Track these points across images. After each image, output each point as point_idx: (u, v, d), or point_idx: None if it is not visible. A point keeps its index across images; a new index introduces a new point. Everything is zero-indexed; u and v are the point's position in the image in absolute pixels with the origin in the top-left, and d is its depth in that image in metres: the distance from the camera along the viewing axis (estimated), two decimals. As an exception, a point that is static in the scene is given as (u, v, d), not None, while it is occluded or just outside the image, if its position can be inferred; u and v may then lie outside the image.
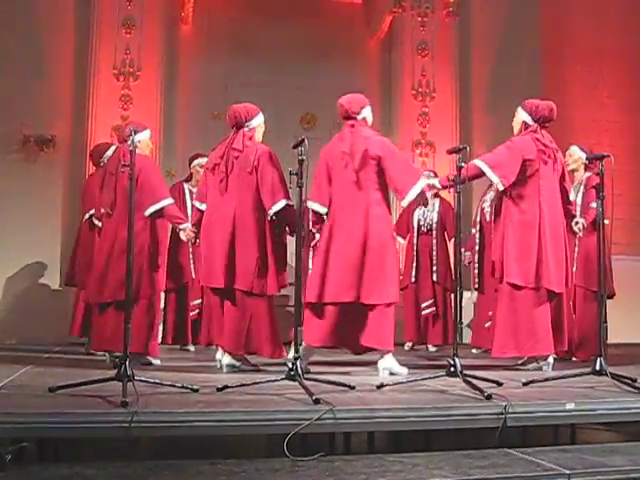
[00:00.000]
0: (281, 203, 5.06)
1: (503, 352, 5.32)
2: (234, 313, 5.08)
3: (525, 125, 5.51)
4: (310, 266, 7.51)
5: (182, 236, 5.51)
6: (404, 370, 4.99)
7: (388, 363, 4.99)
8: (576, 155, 6.48)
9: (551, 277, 5.27)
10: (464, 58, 9.34)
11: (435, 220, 7.74)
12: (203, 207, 5.34)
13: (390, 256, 5.02)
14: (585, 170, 6.50)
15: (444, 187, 5.56)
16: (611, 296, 6.16)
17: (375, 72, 9.54)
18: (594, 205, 5.14)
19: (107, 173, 5.62)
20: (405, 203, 5.12)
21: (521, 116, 5.55)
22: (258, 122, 5.32)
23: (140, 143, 5.32)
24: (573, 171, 6.48)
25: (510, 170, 5.31)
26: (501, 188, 5.36)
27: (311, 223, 5.34)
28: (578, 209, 6.15)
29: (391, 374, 4.93)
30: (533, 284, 5.27)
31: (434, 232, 7.76)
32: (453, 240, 7.03)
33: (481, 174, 5.35)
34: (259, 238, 5.07)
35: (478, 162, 5.35)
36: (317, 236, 5.51)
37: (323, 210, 5.17)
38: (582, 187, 6.37)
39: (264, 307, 5.12)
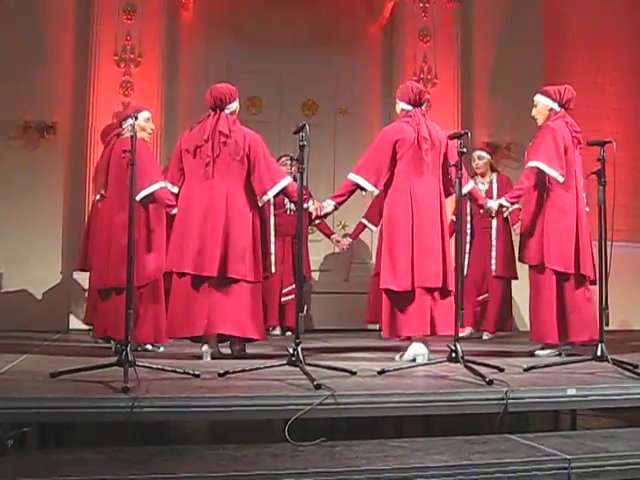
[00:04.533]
0: (286, 180, 5.03)
1: (544, 338, 5.32)
2: (233, 300, 4.90)
3: (553, 112, 5.44)
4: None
5: None
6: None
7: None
8: (485, 159, 7.53)
9: (587, 263, 5.30)
10: (466, 44, 9.27)
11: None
12: (175, 190, 5.11)
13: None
14: (491, 170, 7.60)
15: (512, 204, 5.52)
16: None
17: (377, 59, 9.46)
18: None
19: (103, 156, 5.56)
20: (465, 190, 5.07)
21: (545, 103, 5.47)
22: (237, 104, 5.21)
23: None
24: (482, 175, 7.53)
25: (561, 159, 5.28)
26: (561, 180, 5.27)
27: (338, 198, 5.09)
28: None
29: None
30: (573, 270, 5.28)
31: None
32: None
33: (541, 174, 5.30)
34: (249, 225, 5.00)
35: (534, 164, 5.30)
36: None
37: (375, 191, 5.09)
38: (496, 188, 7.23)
39: (257, 291, 5.04)
